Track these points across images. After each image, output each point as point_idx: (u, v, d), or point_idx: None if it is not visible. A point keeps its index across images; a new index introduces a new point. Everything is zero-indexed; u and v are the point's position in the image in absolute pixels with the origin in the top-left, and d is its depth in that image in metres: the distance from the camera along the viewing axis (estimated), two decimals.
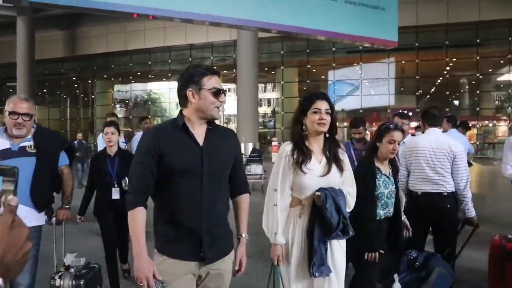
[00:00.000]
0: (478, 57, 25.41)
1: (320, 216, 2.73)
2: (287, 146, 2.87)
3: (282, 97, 29.89)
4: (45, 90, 35.67)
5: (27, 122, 3.32)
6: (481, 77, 26.58)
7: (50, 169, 3.55)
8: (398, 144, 3.46)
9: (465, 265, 5.38)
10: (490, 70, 26.98)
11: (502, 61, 25.62)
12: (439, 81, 27.37)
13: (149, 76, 32.51)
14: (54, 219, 3.83)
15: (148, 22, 25.44)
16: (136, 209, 2.29)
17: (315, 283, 2.82)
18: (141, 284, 2.19)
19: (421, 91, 27.52)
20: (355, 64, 27.48)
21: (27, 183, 3.28)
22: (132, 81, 33.63)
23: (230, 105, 25.47)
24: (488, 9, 22.11)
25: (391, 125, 3.50)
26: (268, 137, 29.30)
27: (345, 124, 22.58)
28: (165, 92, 32.43)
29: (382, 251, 3.37)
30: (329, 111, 2.80)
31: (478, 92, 27.16)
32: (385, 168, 3.50)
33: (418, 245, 4.05)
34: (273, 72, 30.61)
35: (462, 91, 28.47)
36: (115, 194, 4.58)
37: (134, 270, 2.22)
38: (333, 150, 2.86)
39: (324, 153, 2.85)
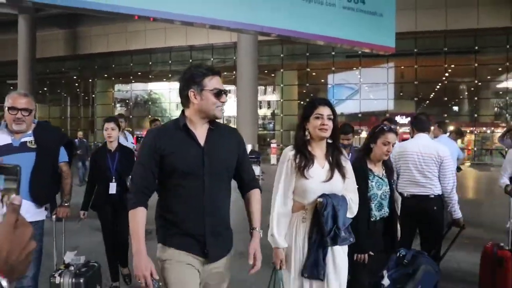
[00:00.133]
0: (476, 64, 25.56)
1: (318, 221, 2.76)
2: (290, 152, 2.89)
3: (281, 100, 29.99)
4: (45, 89, 35.76)
5: (26, 117, 3.34)
6: (479, 84, 26.72)
7: (51, 164, 3.58)
8: (392, 146, 3.51)
9: (451, 266, 5.56)
10: (488, 77, 27.14)
11: (500, 68, 25.78)
12: (437, 87, 27.51)
13: (150, 76, 32.61)
14: (54, 216, 3.87)
15: (149, 23, 25.57)
16: (137, 209, 2.32)
17: (316, 287, 2.81)
18: (139, 281, 2.25)
19: (419, 96, 27.63)
20: (354, 68, 27.62)
21: (27, 178, 3.30)
22: (133, 81, 33.72)
23: (230, 106, 25.60)
24: (486, 16, 22.23)
25: (386, 127, 3.56)
26: (268, 139, 29.36)
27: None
28: (165, 92, 32.54)
29: (372, 253, 3.39)
30: (331, 116, 2.82)
31: (476, 98, 27.29)
32: (378, 170, 3.56)
33: (405, 245, 4.19)
34: (273, 75, 30.73)
35: (460, 97, 28.61)
36: (112, 189, 4.63)
37: (133, 267, 2.26)
38: (335, 156, 2.87)
39: (327, 159, 2.87)
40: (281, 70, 29.29)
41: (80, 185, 12.00)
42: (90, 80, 35.14)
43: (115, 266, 4.78)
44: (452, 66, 26.35)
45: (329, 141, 2.88)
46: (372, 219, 3.45)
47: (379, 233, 3.53)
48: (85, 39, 31.02)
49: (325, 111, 2.81)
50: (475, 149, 26.84)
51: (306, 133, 2.87)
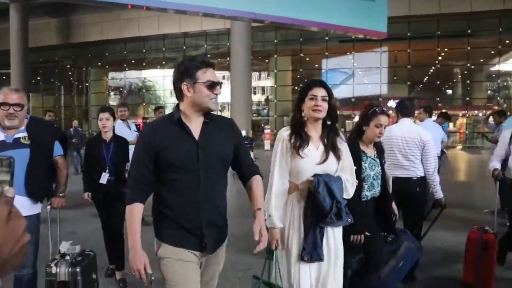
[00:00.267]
0: (469, 48, 25.68)
1: (313, 201, 2.74)
2: (285, 132, 2.90)
3: (275, 86, 30.03)
4: (39, 78, 35.60)
5: (18, 112, 3.32)
6: (472, 67, 26.87)
7: (45, 160, 3.57)
8: (384, 128, 3.54)
9: (435, 245, 5.78)
10: (481, 61, 27.26)
11: (493, 52, 25.89)
12: (430, 70, 27.65)
13: (143, 64, 32.51)
14: (48, 207, 3.88)
15: (143, 11, 25.45)
16: (134, 205, 2.34)
17: (311, 268, 2.83)
18: (134, 274, 2.30)
19: (412, 80, 27.78)
20: (348, 53, 27.64)
21: (22, 174, 3.31)
22: (127, 69, 33.60)
23: (224, 93, 25.59)
24: (480, 0, 22.31)
25: (378, 109, 3.58)
26: (262, 125, 29.41)
27: (338, 112, 22.85)
28: (159, 79, 32.49)
29: (367, 233, 3.41)
30: (326, 98, 2.80)
31: (468, 82, 27.48)
32: (370, 151, 3.58)
33: None
34: (266, 61, 30.71)
35: (453, 81, 28.76)
36: (103, 179, 4.61)
37: (128, 261, 2.32)
38: (331, 138, 2.86)
39: (322, 140, 2.86)
40: (275, 56, 29.28)
41: (76, 174, 12.09)
42: (83, 69, 34.95)
43: (112, 251, 4.79)
44: (445, 49, 26.48)
45: (328, 122, 2.87)
46: (363, 199, 3.48)
47: (369, 214, 3.56)
48: (78, 27, 30.84)
49: (319, 92, 2.80)
50: (467, 132, 27.07)
51: (303, 114, 2.86)
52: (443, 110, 9.95)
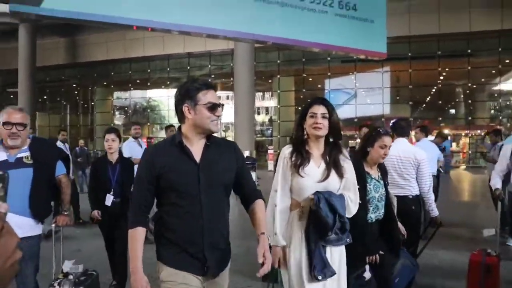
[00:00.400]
0: (469, 67, 25.84)
1: (315, 218, 2.72)
2: (287, 150, 2.90)
3: (278, 106, 30.22)
4: (45, 97, 35.99)
5: (21, 132, 3.32)
6: (473, 86, 27.02)
7: (48, 179, 3.56)
8: (388, 148, 3.57)
9: (433, 263, 5.88)
10: (482, 80, 27.40)
11: (493, 71, 26.04)
12: (432, 90, 27.80)
13: (148, 83, 32.80)
14: (53, 225, 3.91)
15: (148, 31, 25.82)
16: (136, 229, 2.35)
17: (316, 286, 2.77)
18: None
19: (414, 100, 27.91)
20: (350, 73, 27.85)
21: (25, 194, 3.31)
22: (132, 88, 33.93)
23: (227, 113, 25.84)
24: (478, 20, 22.55)
25: (382, 130, 3.61)
26: (266, 145, 29.49)
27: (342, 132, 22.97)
28: (164, 99, 32.71)
29: (382, 252, 3.44)
30: (326, 115, 2.79)
31: (470, 101, 27.60)
32: (374, 172, 3.58)
33: None
34: (270, 81, 30.93)
35: (456, 100, 28.86)
36: (108, 201, 4.61)
37: (130, 285, 2.35)
38: (333, 155, 2.83)
39: (324, 158, 2.84)
40: (278, 76, 29.53)
41: (81, 192, 12.21)
42: (89, 88, 35.36)
43: (118, 271, 4.71)
44: (446, 69, 26.65)
45: (331, 139, 2.86)
46: (368, 221, 3.48)
47: (375, 235, 3.55)
48: (84, 47, 31.24)
49: (319, 109, 2.79)
50: (470, 152, 27.12)
51: (305, 132, 2.86)
52: (440, 130, 10.21)
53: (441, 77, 26.81)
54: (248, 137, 20.66)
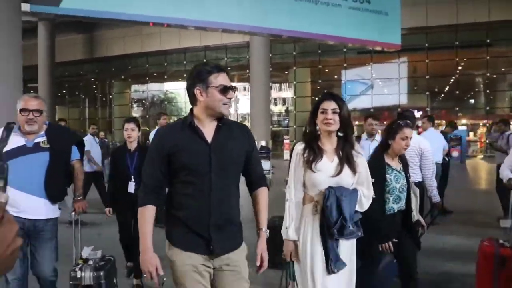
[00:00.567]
0: (488, 57, 25.53)
1: (323, 213, 2.78)
2: (299, 146, 2.92)
3: (295, 97, 30.27)
4: (64, 91, 36.46)
5: (37, 118, 3.44)
6: (492, 76, 26.75)
7: (64, 163, 3.67)
8: (410, 139, 3.64)
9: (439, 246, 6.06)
10: (502, 70, 27.09)
11: None
12: (451, 81, 27.59)
13: (165, 76, 33.05)
14: (73, 213, 4.02)
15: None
16: (146, 207, 2.38)
17: (328, 279, 2.80)
18: (144, 276, 2.35)
19: (431, 90, 27.73)
20: (366, 64, 27.75)
21: (41, 176, 3.43)
22: (149, 82, 34.22)
23: (244, 104, 26.02)
24: (497, 9, 22.24)
25: (402, 123, 3.67)
26: (283, 135, 29.69)
27: (357, 122, 23.01)
28: (181, 91, 32.85)
29: (395, 240, 3.49)
30: (337, 110, 2.79)
31: (488, 91, 27.38)
32: (395, 164, 3.63)
33: None
34: (286, 72, 30.97)
35: (474, 90, 28.62)
36: (131, 188, 4.69)
37: (140, 263, 2.36)
38: (346, 151, 2.84)
39: (337, 153, 2.84)
40: (294, 68, 29.53)
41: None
42: (107, 82, 35.80)
43: (130, 250, 4.88)
44: (464, 59, 26.39)
45: (340, 134, 2.87)
46: (390, 212, 3.54)
47: (398, 225, 3.63)
48: (102, 42, 31.56)
49: (330, 105, 2.81)
50: (487, 141, 26.87)
51: (317, 127, 2.89)
52: (450, 120, 10.38)
53: (459, 67, 26.56)
54: (265, 127, 20.82)
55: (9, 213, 0.88)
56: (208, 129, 2.40)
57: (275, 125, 30.42)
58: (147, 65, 32.92)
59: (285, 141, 25.56)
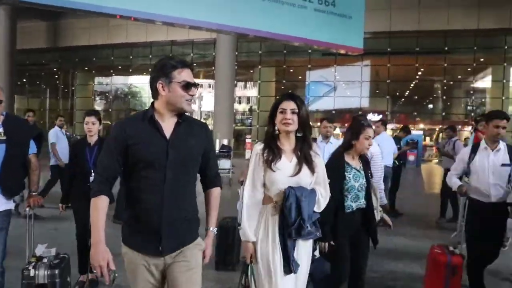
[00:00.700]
0: (446, 64, 26.39)
1: (282, 213, 2.79)
2: (259, 146, 2.90)
3: (259, 96, 30.47)
4: (25, 80, 35.53)
5: None
6: (449, 83, 27.69)
7: (22, 156, 3.55)
8: (372, 139, 3.76)
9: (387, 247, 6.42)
10: (458, 77, 28.11)
11: (468, 69, 26.77)
12: (410, 85, 28.43)
13: (130, 70, 32.70)
14: (27, 209, 3.89)
15: None
16: (100, 197, 2.29)
17: (286, 279, 2.81)
18: (94, 271, 2.22)
19: (392, 94, 28.47)
20: (330, 66, 28.19)
21: None
22: (113, 74, 33.83)
23: (208, 102, 26.03)
24: (456, 19, 23.02)
25: (365, 123, 3.74)
26: (245, 134, 29.90)
27: (318, 124, 23.38)
28: (145, 86, 32.45)
29: (333, 243, 3.51)
30: (296, 110, 2.79)
31: (445, 97, 28.35)
32: (356, 163, 3.68)
33: None
34: (251, 71, 31.14)
35: (432, 96, 29.53)
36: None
37: (90, 257, 2.22)
38: (304, 151, 2.84)
39: (295, 153, 2.85)
40: (259, 67, 29.74)
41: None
42: (70, 73, 35.07)
43: (86, 257, 4.43)
44: (424, 65, 27.23)
45: (298, 134, 2.87)
46: (349, 210, 3.57)
47: (357, 223, 3.66)
48: (67, 31, 30.92)
49: (289, 105, 2.81)
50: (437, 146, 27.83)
51: (276, 127, 2.88)
52: (405, 124, 10.96)
53: (419, 73, 27.42)
54: (228, 126, 20.95)
55: None
56: (168, 124, 2.38)
57: (239, 124, 30.61)
58: (112, 58, 32.46)
59: (247, 140, 25.78)
